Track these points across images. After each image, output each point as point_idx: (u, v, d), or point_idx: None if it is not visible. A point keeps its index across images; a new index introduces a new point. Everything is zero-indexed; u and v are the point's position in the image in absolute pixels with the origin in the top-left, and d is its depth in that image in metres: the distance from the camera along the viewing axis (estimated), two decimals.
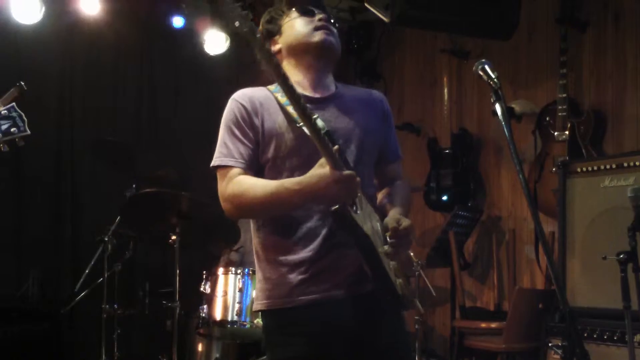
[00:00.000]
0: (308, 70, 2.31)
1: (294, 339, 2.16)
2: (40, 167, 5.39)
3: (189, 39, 5.75)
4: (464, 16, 4.52)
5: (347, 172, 2.00)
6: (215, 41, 5.67)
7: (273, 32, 2.36)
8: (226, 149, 2.22)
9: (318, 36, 2.28)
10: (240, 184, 2.16)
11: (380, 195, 2.43)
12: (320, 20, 2.31)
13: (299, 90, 2.10)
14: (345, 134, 2.24)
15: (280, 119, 2.21)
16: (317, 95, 2.30)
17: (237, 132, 2.21)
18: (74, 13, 5.18)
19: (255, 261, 2.31)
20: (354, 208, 2.06)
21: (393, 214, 2.22)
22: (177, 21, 5.62)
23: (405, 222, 2.17)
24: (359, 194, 2.10)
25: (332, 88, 2.36)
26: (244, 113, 2.22)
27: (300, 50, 2.30)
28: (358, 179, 2.03)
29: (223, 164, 2.21)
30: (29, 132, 2.63)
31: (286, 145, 2.18)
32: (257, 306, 2.30)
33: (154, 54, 6.08)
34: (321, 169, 2.01)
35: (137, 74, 6.02)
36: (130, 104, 6.00)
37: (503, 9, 4.57)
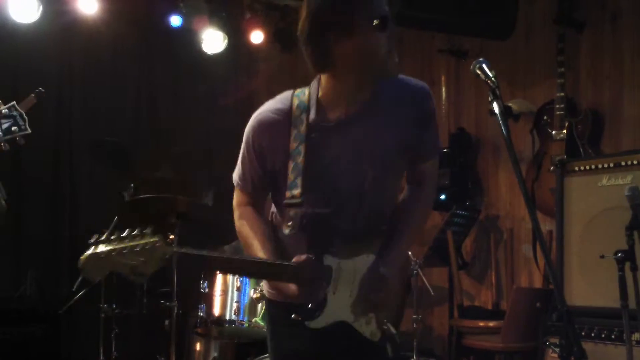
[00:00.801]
0: (351, 85, 2.13)
1: (299, 331, 2.18)
2: (38, 168, 5.39)
3: (187, 38, 5.74)
4: (461, 16, 4.53)
5: (308, 289, 2.08)
6: (213, 40, 5.66)
7: (340, 27, 2.02)
8: (239, 170, 2.28)
9: (393, 65, 2.11)
10: (243, 230, 2.27)
11: (401, 197, 2.39)
12: (391, 37, 2.08)
13: (328, 107, 2.15)
14: (370, 154, 2.18)
15: (282, 166, 2.17)
16: (346, 114, 2.15)
17: (246, 155, 2.24)
18: (72, 12, 5.18)
19: None
20: (329, 291, 2.13)
21: (377, 270, 2.18)
22: (175, 20, 5.62)
23: (384, 283, 2.17)
24: (334, 274, 2.13)
25: (368, 96, 2.17)
26: (258, 140, 2.20)
27: (368, 70, 2.09)
28: (316, 292, 2.09)
29: (235, 183, 2.32)
30: (29, 130, 2.63)
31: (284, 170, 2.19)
32: (266, 293, 2.34)
33: (152, 53, 6.07)
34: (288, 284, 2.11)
35: (135, 73, 6.02)
36: (128, 104, 6.00)
37: (501, 9, 4.57)
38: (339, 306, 2.15)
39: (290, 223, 2.13)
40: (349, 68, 2.08)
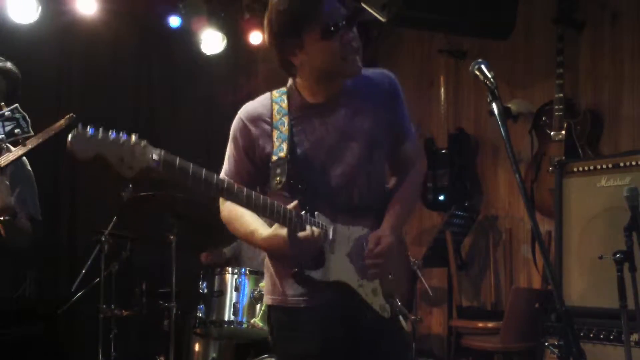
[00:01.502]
0: (323, 80, 2.25)
1: (305, 335, 2.19)
2: (37, 168, 5.37)
3: (186, 38, 5.74)
4: (461, 16, 4.53)
5: (303, 233, 2.07)
6: (212, 41, 5.66)
7: (292, 45, 2.18)
8: (226, 165, 2.33)
9: (351, 68, 2.20)
10: (228, 211, 2.29)
11: (391, 183, 2.43)
12: (346, 44, 2.16)
13: (306, 95, 2.25)
14: (354, 134, 2.25)
15: (270, 143, 2.23)
16: (324, 100, 2.27)
17: (233, 150, 2.31)
18: (71, 13, 5.17)
19: (267, 256, 2.35)
20: (327, 248, 2.14)
21: (376, 233, 2.22)
22: (174, 21, 5.61)
23: (384, 242, 2.19)
24: (330, 234, 2.15)
25: (341, 86, 2.29)
26: (242, 132, 2.28)
27: (326, 74, 2.22)
28: (316, 233, 2.09)
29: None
30: (32, 133, 2.64)
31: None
32: (267, 300, 2.34)
33: (151, 53, 6.07)
34: (279, 230, 2.11)
35: (134, 74, 6.01)
36: (127, 104, 5.99)
37: (500, 9, 4.57)
38: (339, 266, 2.16)
39: (277, 179, 2.16)
40: (308, 75, 2.23)
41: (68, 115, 2.75)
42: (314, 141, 2.23)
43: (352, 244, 2.21)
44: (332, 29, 2.12)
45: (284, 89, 2.31)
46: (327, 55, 2.16)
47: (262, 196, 2.07)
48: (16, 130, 2.62)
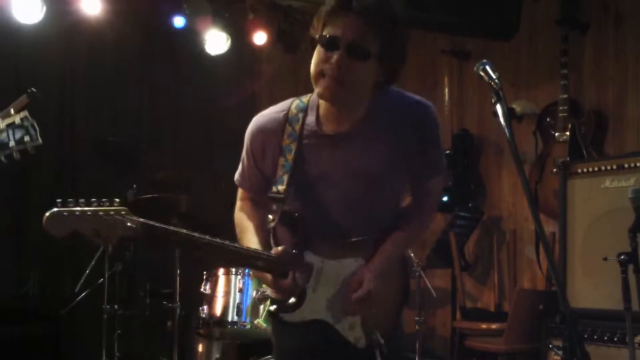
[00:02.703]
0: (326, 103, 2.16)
1: (296, 330, 2.19)
2: (40, 167, 5.39)
3: (190, 39, 5.74)
4: (464, 17, 4.52)
5: (284, 282, 2.10)
6: (216, 41, 5.66)
7: (313, 46, 2.12)
8: (240, 169, 2.35)
9: (320, 87, 2.07)
10: (239, 219, 2.34)
11: (405, 202, 2.38)
12: (333, 62, 2.02)
13: (323, 119, 2.18)
14: (360, 170, 2.17)
15: (274, 165, 2.21)
16: (337, 130, 2.16)
17: (245, 158, 2.30)
18: (75, 13, 5.17)
19: None
20: (309, 287, 2.14)
21: (358, 277, 2.17)
22: (178, 21, 5.61)
23: (365, 287, 2.15)
24: (314, 274, 2.15)
25: (361, 113, 2.16)
26: (252, 142, 2.26)
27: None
28: (297, 283, 2.11)
29: (235, 180, 2.38)
30: (40, 141, 2.66)
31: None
32: (271, 293, 2.33)
33: (155, 54, 6.08)
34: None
35: (137, 74, 6.03)
36: (131, 104, 6.01)
37: (504, 10, 4.57)
38: (318, 304, 2.16)
39: (271, 216, 2.16)
40: None
41: (29, 90, 2.75)
42: (317, 174, 2.18)
43: (340, 280, 2.19)
44: (326, 40, 2.04)
45: (304, 102, 2.21)
46: (313, 62, 2.09)
47: (245, 249, 2.12)
48: (25, 138, 2.64)
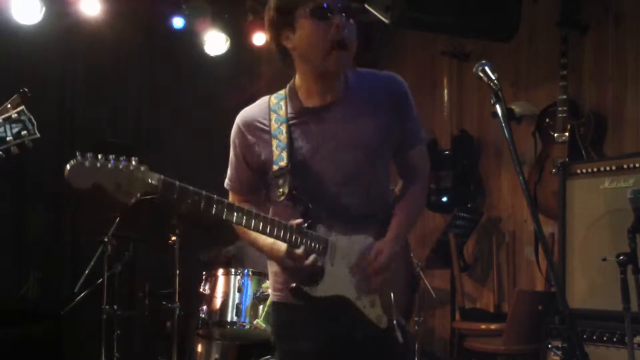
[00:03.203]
0: (318, 78, 2.22)
1: (304, 334, 2.20)
2: (40, 169, 5.39)
3: (189, 40, 5.75)
4: (464, 18, 4.52)
5: (298, 251, 2.08)
6: (215, 42, 5.67)
7: (286, 24, 2.17)
8: (229, 173, 2.36)
9: (332, 63, 2.14)
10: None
11: (397, 188, 2.41)
12: (337, 27, 2.11)
13: (303, 97, 2.22)
14: (351, 141, 2.21)
15: (267, 151, 2.22)
16: (321, 103, 2.23)
17: (233, 156, 2.32)
18: (75, 14, 5.18)
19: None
20: (327, 261, 2.13)
21: (379, 245, 2.20)
22: (178, 22, 5.62)
23: (386, 254, 2.17)
24: (329, 248, 2.14)
25: (341, 88, 2.25)
26: (239, 139, 2.29)
27: (313, 66, 2.19)
28: (311, 259, 2.09)
29: (226, 186, 2.38)
30: (38, 135, 2.67)
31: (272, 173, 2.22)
32: (272, 297, 2.36)
33: (154, 55, 6.08)
34: (279, 244, 2.13)
35: (137, 75, 6.02)
36: (131, 105, 6.01)
37: (504, 11, 4.57)
38: (338, 280, 2.15)
39: (280, 190, 2.16)
40: (298, 62, 2.22)
41: (21, 90, 2.75)
42: (310, 149, 2.21)
43: (355, 255, 2.19)
44: (324, 6, 2.09)
45: (282, 93, 2.29)
46: (313, 38, 2.12)
47: (262, 215, 2.08)
48: (23, 132, 2.65)
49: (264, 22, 2.24)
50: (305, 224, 2.11)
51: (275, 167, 2.17)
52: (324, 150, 2.21)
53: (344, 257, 2.18)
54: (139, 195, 1.90)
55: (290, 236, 2.08)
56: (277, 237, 2.09)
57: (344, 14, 2.12)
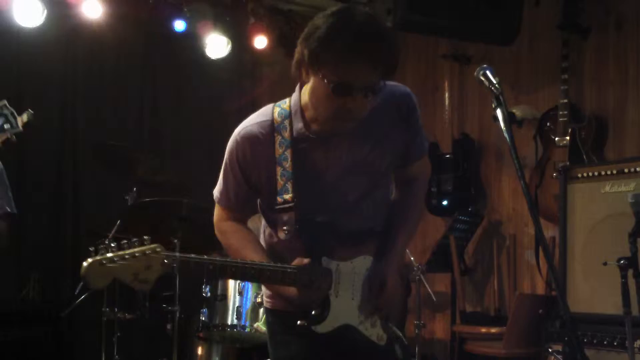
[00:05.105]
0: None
1: (302, 340, 2.19)
2: (41, 171, 5.40)
3: (191, 42, 5.75)
4: (465, 21, 4.53)
5: (310, 292, 2.08)
6: (216, 45, 5.68)
7: (309, 66, 2.01)
8: (221, 186, 2.28)
9: (336, 126, 2.08)
10: (224, 235, 2.31)
11: (393, 196, 2.38)
12: (353, 109, 2.00)
13: (311, 119, 2.14)
14: (357, 166, 2.18)
15: (270, 177, 2.16)
16: (325, 128, 2.14)
17: (230, 170, 2.23)
18: (76, 16, 5.19)
19: None
20: (331, 293, 2.14)
21: (379, 275, 2.19)
22: (179, 25, 5.62)
23: (388, 285, 2.17)
24: (335, 273, 2.14)
25: None
26: (242, 154, 2.19)
27: (319, 114, 2.10)
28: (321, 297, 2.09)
29: (215, 199, 2.32)
30: (21, 129, 2.67)
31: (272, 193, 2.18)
32: (266, 304, 2.35)
33: (156, 57, 6.09)
34: (288, 288, 2.11)
35: (138, 77, 6.03)
36: (132, 107, 6.01)
37: (505, 15, 4.58)
38: (343, 309, 2.16)
39: (285, 227, 2.13)
40: (309, 97, 2.11)
41: (27, 111, 2.76)
42: (315, 176, 2.17)
43: (357, 281, 2.19)
44: (340, 88, 1.97)
45: (286, 108, 2.17)
46: (323, 101, 2.03)
47: (272, 267, 2.06)
48: (6, 126, 2.66)
49: (279, 37, 2.20)
50: (311, 258, 2.11)
51: (280, 199, 2.13)
52: (329, 177, 2.18)
53: (347, 286, 2.18)
54: (155, 278, 1.91)
55: (302, 278, 2.07)
56: (289, 284, 2.09)
57: (364, 93, 1.99)
